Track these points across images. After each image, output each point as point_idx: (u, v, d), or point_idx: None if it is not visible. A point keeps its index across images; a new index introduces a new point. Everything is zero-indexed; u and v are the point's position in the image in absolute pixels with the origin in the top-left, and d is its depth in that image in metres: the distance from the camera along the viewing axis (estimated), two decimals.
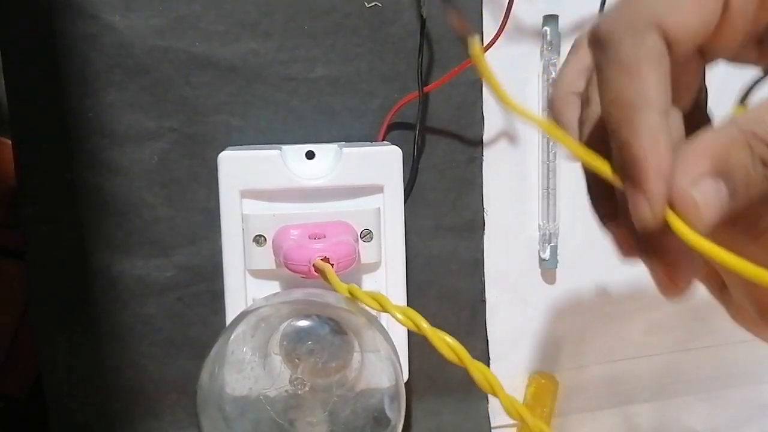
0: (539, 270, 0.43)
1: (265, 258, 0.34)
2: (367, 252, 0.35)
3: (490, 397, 0.43)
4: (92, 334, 0.38)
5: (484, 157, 0.41)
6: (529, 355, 0.43)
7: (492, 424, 0.43)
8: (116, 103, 0.36)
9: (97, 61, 0.35)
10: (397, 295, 0.37)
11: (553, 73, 0.40)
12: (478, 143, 0.41)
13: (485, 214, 0.41)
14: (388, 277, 0.36)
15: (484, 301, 0.42)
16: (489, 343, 0.42)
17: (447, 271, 0.41)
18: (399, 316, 0.25)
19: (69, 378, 0.39)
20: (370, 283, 0.36)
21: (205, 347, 0.39)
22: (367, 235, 0.35)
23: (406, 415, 0.43)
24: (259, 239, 0.34)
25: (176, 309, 0.39)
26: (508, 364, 0.43)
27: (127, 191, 0.37)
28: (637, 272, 0.45)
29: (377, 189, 0.36)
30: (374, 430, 0.31)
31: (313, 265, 0.30)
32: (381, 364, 0.30)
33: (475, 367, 0.24)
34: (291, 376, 0.31)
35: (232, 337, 0.30)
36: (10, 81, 0.36)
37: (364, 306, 0.27)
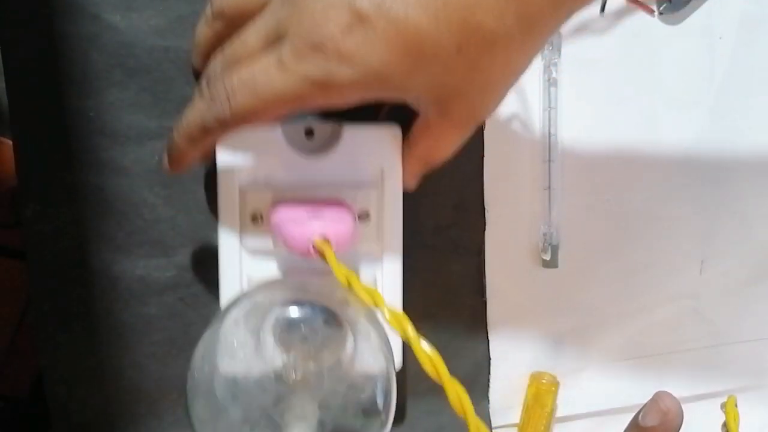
0: (540, 270, 0.42)
1: (261, 237, 0.34)
2: (363, 233, 0.35)
3: (491, 398, 0.43)
4: (93, 334, 0.38)
5: (485, 157, 0.41)
6: (529, 356, 0.43)
7: (492, 425, 0.43)
8: (117, 103, 0.36)
9: (98, 61, 0.35)
10: (393, 277, 0.36)
11: (554, 72, 0.40)
12: (479, 143, 0.41)
13: (486, 214, 0.41)
14: (384, 259, 0.36)
15: (484, 302, 0.42)
16: (490, 344, 0.42)
17: (447, 272, 0.41)
18: (387, 315, 0.25)
19: (69, 378, 0.39)
20: (366, 263, 0.36)
21: None
22: (364, 216, 0.35)
23: (406, 416, 0.42)
24: (255, 217, 0.34)
25: (177, 309, 0.39)
26: (509, 365, 0.43)
27: (128, 191, 0.37)
28: (639, 272, 0.45)
29: (377, 169, 0.35)
30: (364, 421, 0.30)
31: (313, 246, 0.30)
32: (374, 354, 0.30)
33: (450, 384, 0.24)
34: (283, 362, 0.31)
35: (225, 321, 0.29)
36: (11, 80, 0.36)
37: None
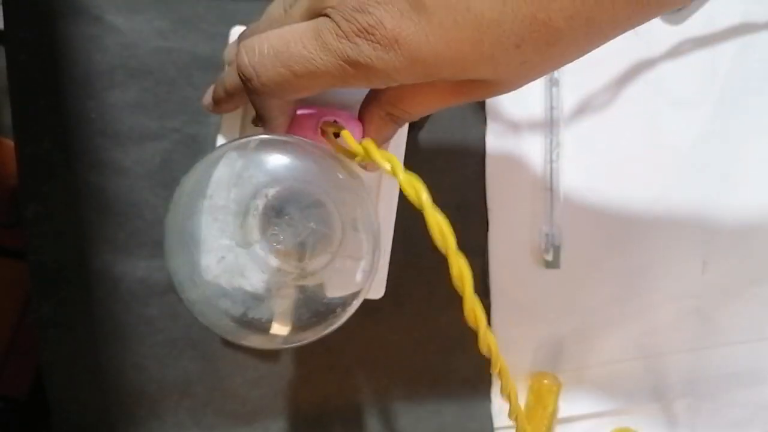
0: (542, 271, 0.42)
1: None
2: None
3: (493, 398, 0.43)
4: (93, 334, 0.38)
5: (487, 158, 0.41)
6: (531, 356, 0.43)
7: (494, 425, 0.43)
8: (119, 104, 0.36)
9: (100, 62, 0.35)
10: (390, 196, 0.35)
11: (556, 72, 0.40)
12: (481, 144, 0.41)
13: (488, 215, 0.41)
14: (382, 185, 0.35)
15: (488, 303, 0.42)
16: None
17: (450, 273, 0.41)
18: (402, 179, 0.24)
19: (70, 379, 0.39)
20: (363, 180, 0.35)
21: (207, 349, 0.39)
22: None
23: (410, 416, 0.42)
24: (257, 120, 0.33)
25: (178, 310, 0.38)
26: (511, 365, 0.43)
27: (130, 192, 0.37)
28: (641, 273, 0.45)
29: None
30: (325, 318, 0.29)
31: (321, 129, 0.29)
32: (353, 271, 0.29)
33: (454, 257, 0.23)
34: (264, 236, 0.28)
35: (215, 176, 0.27)
36: (14, 81, 0.36)
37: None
